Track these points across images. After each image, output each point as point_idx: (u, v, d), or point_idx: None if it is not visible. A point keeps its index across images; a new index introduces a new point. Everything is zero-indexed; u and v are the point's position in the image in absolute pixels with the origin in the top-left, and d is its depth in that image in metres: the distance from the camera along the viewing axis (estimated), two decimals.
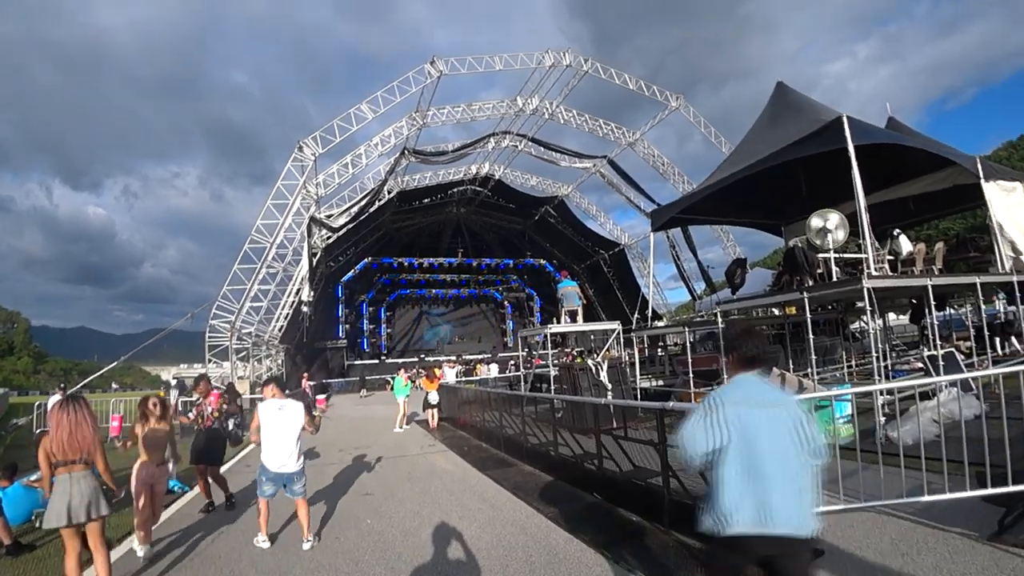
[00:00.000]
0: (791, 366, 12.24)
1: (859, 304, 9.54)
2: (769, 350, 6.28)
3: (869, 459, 4.91)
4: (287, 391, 6.66)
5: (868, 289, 8.89)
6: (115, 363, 30.04)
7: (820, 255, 10.42)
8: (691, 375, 12.83)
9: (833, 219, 10.28)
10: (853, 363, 13.18)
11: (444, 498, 7.68)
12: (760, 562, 2.66)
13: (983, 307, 12.35)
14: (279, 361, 29.07)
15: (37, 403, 20.52)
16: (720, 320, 12.31)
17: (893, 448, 5.10)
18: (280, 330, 27.79)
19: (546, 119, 30.41)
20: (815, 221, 10.37)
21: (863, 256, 9.96)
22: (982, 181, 11.62)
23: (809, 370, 10.81)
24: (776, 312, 15.25)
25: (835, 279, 10.16)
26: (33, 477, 7.73)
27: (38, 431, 15.24)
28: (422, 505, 7.35)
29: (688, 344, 14.75)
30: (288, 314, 27.87)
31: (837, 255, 10.32)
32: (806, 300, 10.07)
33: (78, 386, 31.81)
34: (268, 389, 6.39)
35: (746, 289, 13.44)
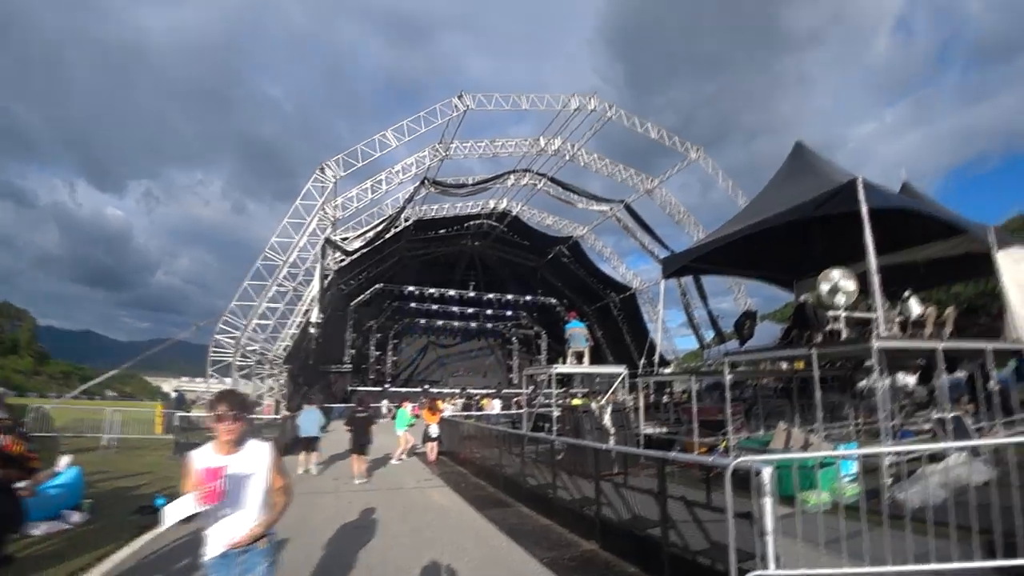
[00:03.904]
0: (797, 421, 12.08)
1: (868, 363, 9.46)
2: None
3: (875, 521, 4.83)
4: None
5: (877, 349, 8.84)
6: (114, 371, 29.54)
7: (830, 312, 10.40)
8: (696, 424, 12.68)
9: (844, 278, 10.30)
10: (860, 421, 13.00)
11: (438, 536, 7.55)
12: (304, 445, 13.52)
13: (995, 373, 12.23)
14: (282, 381, 29.04)
15: (36, 405, 20.33)
16: (727, 370, 12.21)
17: (899, 511, 5.01)
18: (285, 350, 27.81)
19: (567, 160, 30.83)
20: (825, 279, 10.39)
21: (873, 316, 9.94)
22: (993, 250, 11.69)
23: (815, 426, 10.66)
24: (784, 366, 15.13)
25: (844, 337, 10.12)
26: None
27: None
28: (415, 543, 7.23)
29: (694, 392, 14.64)
30: (295, 334, 27.94)
31: (847, 313, 10.29)
32: (814, 356, 10.00)
33: (76, 391, 31.68)
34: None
35: (755, 341, 13.41)
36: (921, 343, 10.51)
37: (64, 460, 8.78)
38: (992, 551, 3.98)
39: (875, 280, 9.66)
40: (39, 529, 7.30)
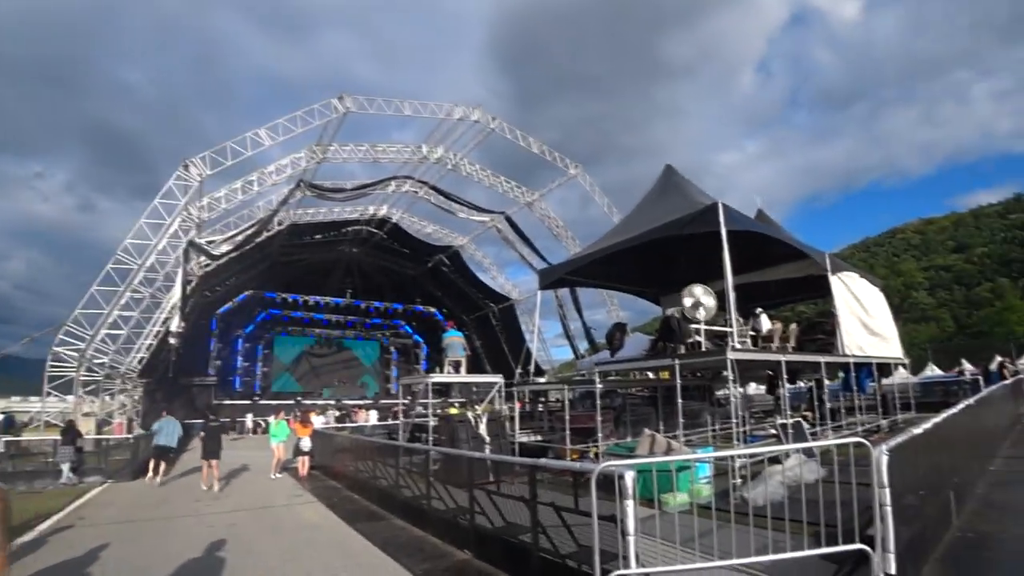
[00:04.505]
0: (661, 427, 12.86)
1: (724, 373, 10.31)
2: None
3: (725, 518, 5.25)
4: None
5: (732, 360, 9.64)
6: None
7: (692, 326, 11.19)
8: (569, 431, 13.12)
9: (704, 294, 11.15)
10: (717, 427, 14.08)
11: (307, 555, 7.26)
12: (159, 454, 14.00)
13: (827, 382, 13.81)
14: (136, 397, 26.46)
15: None
16: (598, 380, 12.77)
17: (745, 508, 5.49)
18: (141, 362, 25.31)
19: (449, 169, 30.86)
20: (688, 295, 11.18)
21: (729, 330, 10.83)
22: (829, 274, 13.25)
23: (677, 432, 11.40)
24: (651, 376, 16.06)
25: (704, 349, 10.93)
26: None
27: None
28: (283, 562, 6.90)
29: (567, 401, 15.13)
30: (152, 345, 25.53)
31: (707, 327, 11.14)
32: (677, 366, 10.72)
33: None
34: None
35: (625, 352, 14.08)
36: (769, 355, 11.62)
37: None
38: (819, 541, 4.46)
39: (731, 297, 10.52)
40: None
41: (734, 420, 9.60)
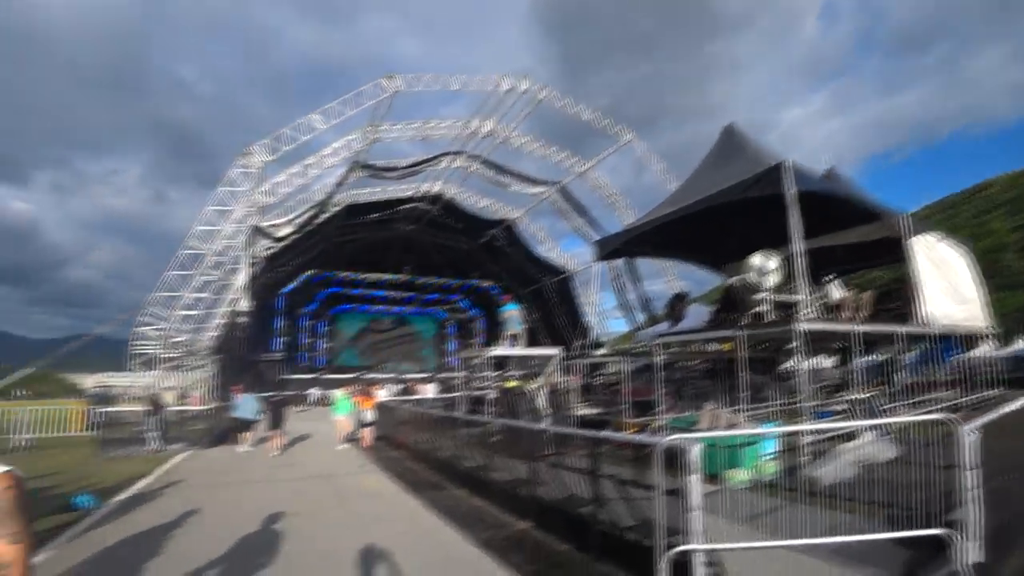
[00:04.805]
0: (724, 402, 12.51)
1: (790, 345, 9.87)
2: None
3: (791, 497, 5.05)
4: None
5: (801, 331, 9.20)
6: (29, 369, 26.92)
7: (756, 295, 10.73)
8: (628, 404, 12.98)
9: (770, 261, 10.63)
10: (782, 402, 13.60)
11: (371, 521, 7.47)
12: (240, 426, 15.59)
13: (905, 355, 12.99)
14: (211, 372, 27.93)
15: None
16: (658, 352, 12.52)
17: (814, 487, 5.27)
18: (214, 340, 26.77)
19: (500, 142, 30.56)
20: (753, 262, 10.69)
21: (797, 299, 10.29)
22: (907, 237, 12.25)
23: (740, 407, 11.06)
24: (712, 347, 15.63)
25: (769, 319, 10.48)
26: None
27: None
28: (347, 528, 7.13)
29: (627, 373, 14.95)
30: (224, 324, 26.90)
31: (773, 296, 10.64)
32: (741, 338, 10.35)
33: None
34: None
35: (686, 323, 13.76)
36: (841, 326, 11.00)
37: None
38: (893, 524, 4.22)
39: (800, 263, 9.92)
40: None
41: (800, 395, 9.20)
